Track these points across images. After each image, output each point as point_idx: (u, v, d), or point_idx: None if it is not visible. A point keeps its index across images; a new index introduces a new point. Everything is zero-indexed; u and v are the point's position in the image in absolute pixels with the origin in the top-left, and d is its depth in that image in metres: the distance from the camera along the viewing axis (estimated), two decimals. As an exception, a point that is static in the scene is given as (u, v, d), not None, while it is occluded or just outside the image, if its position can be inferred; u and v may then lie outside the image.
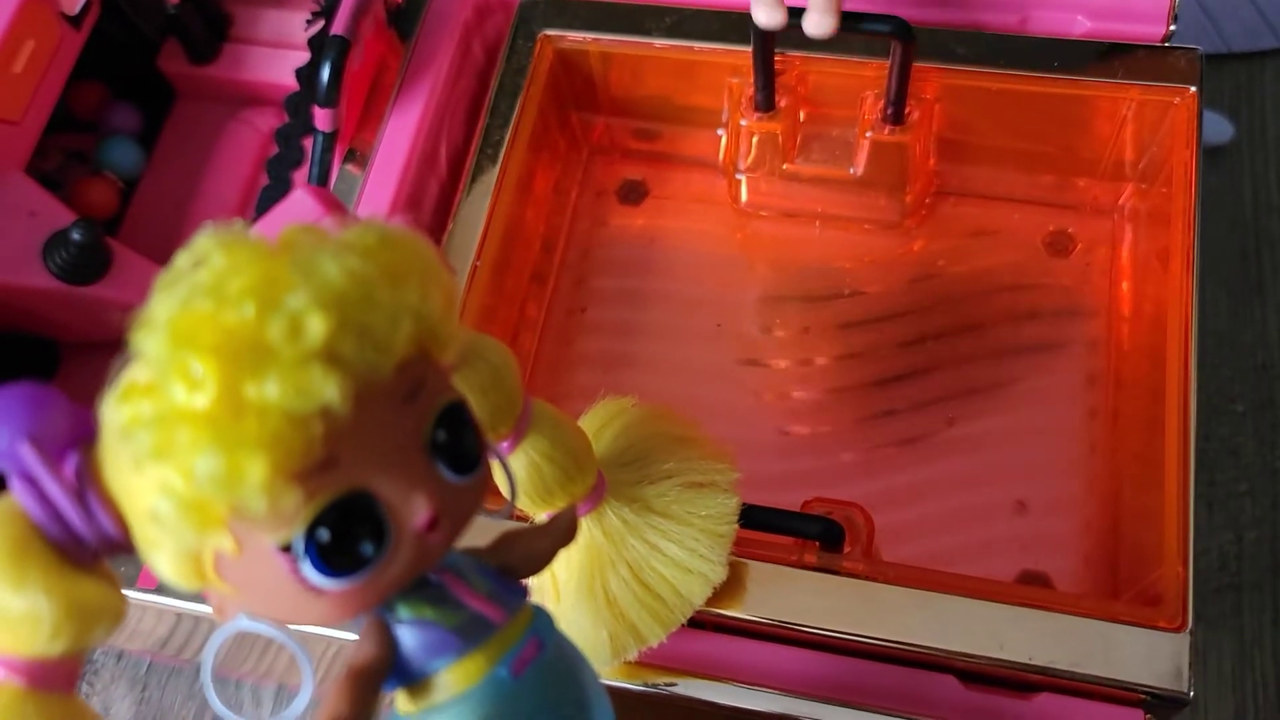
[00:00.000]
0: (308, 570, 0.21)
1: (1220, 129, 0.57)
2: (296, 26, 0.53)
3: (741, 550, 0.36)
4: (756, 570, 0.36)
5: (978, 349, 0.46)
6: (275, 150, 0.52)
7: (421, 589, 0.24)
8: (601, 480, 0.32)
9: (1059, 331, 0.46)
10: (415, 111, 0.45)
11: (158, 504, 0.20)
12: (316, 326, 0.20)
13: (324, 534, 0.21)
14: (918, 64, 0.42)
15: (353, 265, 0.21)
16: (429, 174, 0.46)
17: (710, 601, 0.35)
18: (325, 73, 0.42)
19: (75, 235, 0.48)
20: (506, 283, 0.46)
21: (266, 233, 0.27)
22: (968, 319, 0.46)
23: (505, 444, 0.29)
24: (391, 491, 0.21)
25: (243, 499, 0.19)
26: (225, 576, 0.21)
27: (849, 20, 0.40)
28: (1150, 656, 0.34)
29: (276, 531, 0.20)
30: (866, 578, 0.35)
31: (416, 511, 0.22)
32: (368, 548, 0.21)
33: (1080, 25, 0.43)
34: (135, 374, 0.20)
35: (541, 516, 0.32)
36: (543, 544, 0.28)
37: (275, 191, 0.50)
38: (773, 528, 0.36)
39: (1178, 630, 0.34)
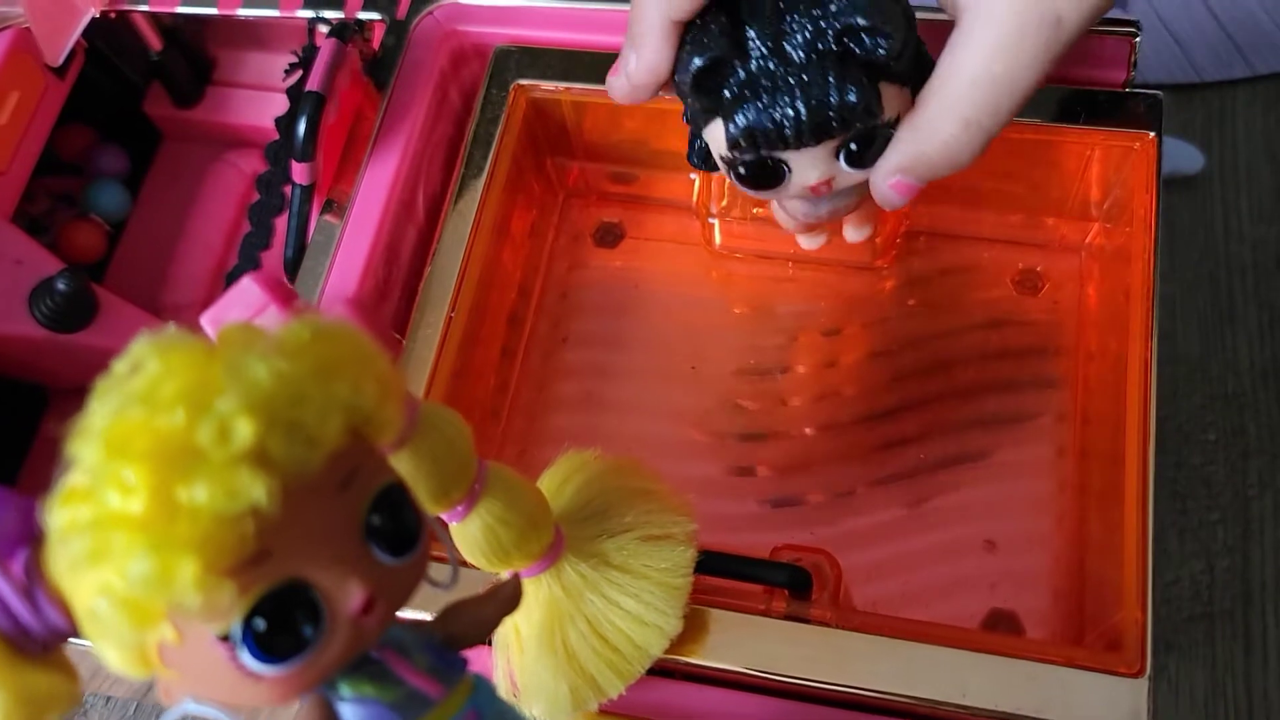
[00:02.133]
0: (245, 658, 0.22)
1: (1191, 158, 0.58)
2: (279, 69, 0.54)
3: (710, 598, 0.37)
4: (724, 618, 0.37)
5: (949, 387, 0.46)
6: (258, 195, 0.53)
7: (363, 666, 0.25)
8: (559, 537, 0.33)
9: (1029, 369, 0.46)
10: (392, 160, 0.46)
11: (97, 603, 0.21)
12: (244, 429, 0.21)
13: (260, 623, 0.22)
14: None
15: (280, 366, 0.22)
16: (407, 221, 0.47)
17: (679, 650, 0.36)
18: (301, 128, 0.43)
19: (60, 284, 0.49)
20: (484, 327, 0.46)
21: (216, 320, 0.28)
22: (939, 357, 0.47)
23: (460, 508, 0.30)
24: (326, 578, 0.22)
25: (178, 597, 0.20)
26: (169, 664, 0.22)
27: None
28: (1110, 702, 0.34)
29: (214, 622, 0.22)
30: (833, 625, 0.36)
31: (351, 597, 0.23)
32: (304, 634, 0.22)
33: (1043, 70, 0.44)
34: (74, 479, 0.21)
35: (503, 575, 0.33)
36: (487, 613, 0.29)
37: (257, 238, 0.51)
38: (740, 575, 0.37)
39: (1136, 676, 0.34)
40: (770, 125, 0.33)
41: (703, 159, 0.37)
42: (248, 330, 0.23)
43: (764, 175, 0.35)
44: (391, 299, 0.46)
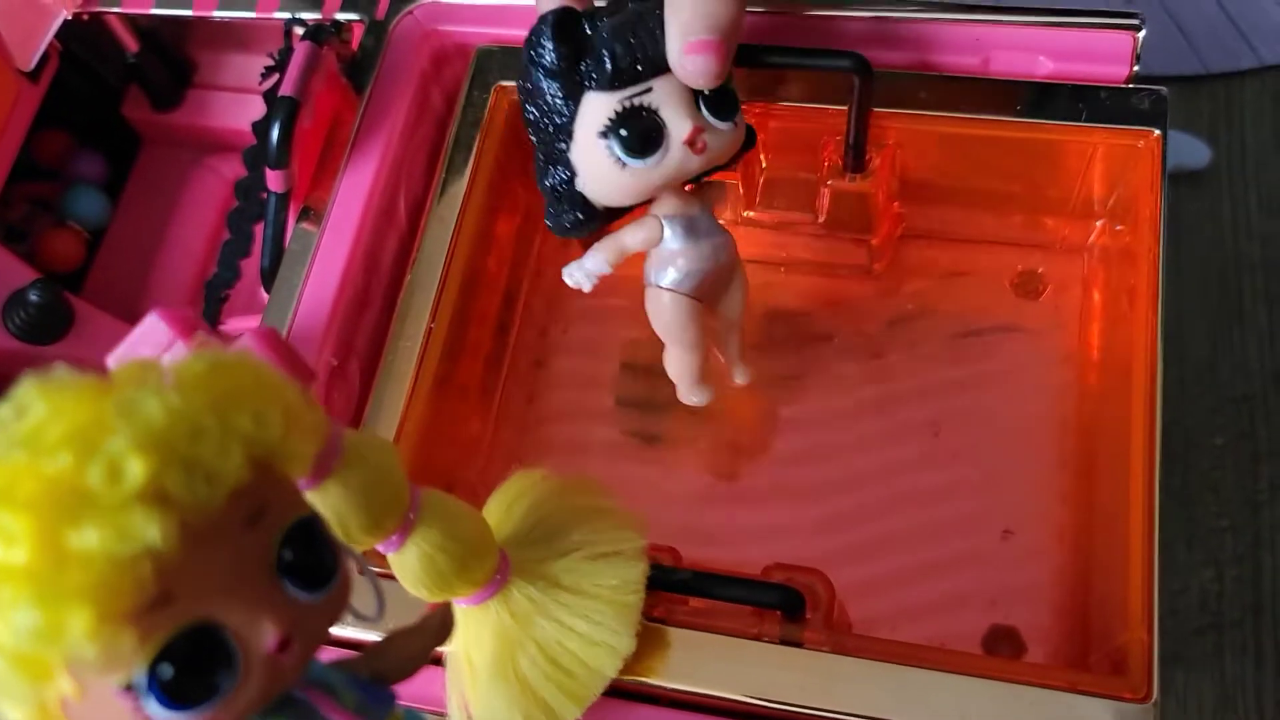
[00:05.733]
0: (153, 708, 0.21)
1: (1198, 153, 0.57)
2: (260, 71, 0.53)
3: (700, 621, 0.36)
4: (714, 642, 0.35)
5: (947, 395, 0.45)
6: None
7: (285, 708, 0.23)
8: (505, 562, 0.32)
9: (1030, 376, 0.45)
10: (370, 165, 0.45)
11: None
12: (135, 469, 0.20)
13: (166, 670, 0.20)
14: (878, 110, 0.42)
15: (173, 401, 0.21)
16: (387, 227, 0.46)
17: (667, 676, 0.35)
18: (274, 134, 0.41)
19: (33, 295, 0.48)
20: (468, 337, 0.45)
21: (123, 359, 0.27)
22: (936, 364, 0.45)
23: (394, 539, 0.29)
24: (237, 618, 0.21)
25: (72, 648, 0.19)
26: None
27: (808, 56, 0.40)
28: (1114, 728, 0.33)
29: (116, 673, 0.20)
30: (826, 650, 0.35)
31: (265, 636, 0.22)
32: (215, 679, 0.21)
33: (1043, 66, 0.42)
34: None
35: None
36: (415, 646, 0.28)
37: (237, 246, 0.49)
38: (729, 597, 0.36)
39: (1142, 701, 0.33)
40: (645, 38, 0.36)
41: (574, 203, 0.39)
42: (142, 367, 0.22)
43: (646, 134, 0.37)
44: (372, 308, 0.45)
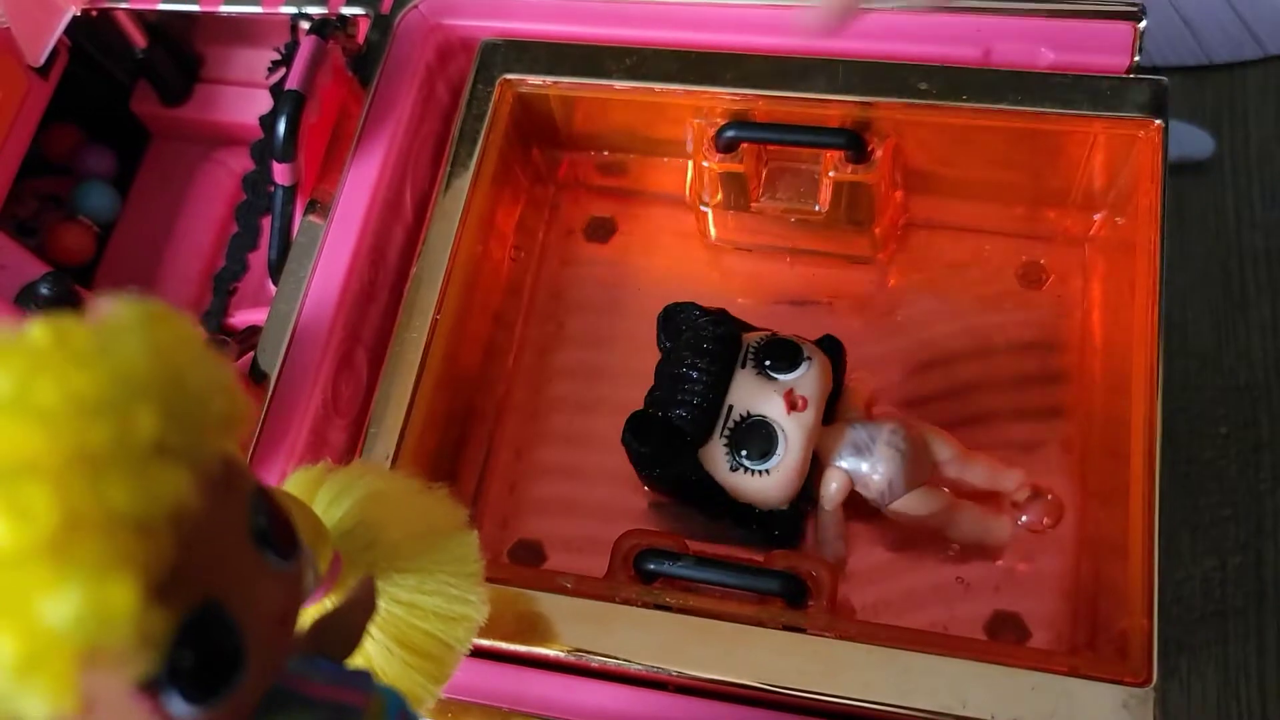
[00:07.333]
0: (175, 705, 0.18)
1: (1201, 143, 0.57)
2: (267, 65, 0.53)
3: (704, 607, 0.36)
4: (717, 629, 0.36)
5: (949, 383, 0.45)
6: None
7: (274, 701, 0.21)
8: (336, 557, 0.30)
9: (1033, 365, 0.45)
10: (376, 158, 0.45)
11: None
12: (145, 419, 0.17)
13: (187, 657, 0.18)
14: (881, 100, 0.42)
15: (158, 342, 0.18)
16: (393, 220, 0.46)
17: (671, 661, 0.35)
18: (281, 128, 0.42)
19: (44, 289, 0.48)
20: (471, 328, 0.45)
21: None
22: (939, 352, 0.46)
23: None
24: (236, 593, 0.19)
25: (110, 632, 0.17)
26: None
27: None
28: (1115, 711, 0.33)
29: (130, 667, 0.17)
30: (829, 635, 0.35)
31: (265, 609, 0.20)
32: (231, 662, 0.19)
33: (1044, 57, 0.43)
34: None
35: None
36: (353, 621, 0.26)
37: (244, 239, 0.50)
38: (734, 584, 0.36)
39: (1142, 685, 0.33)
40: (691, 384, 0.41)
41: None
42: (71, 324, 0.18)
43: (761, 437, 0.40)
44: (379, 300, 0.45)
